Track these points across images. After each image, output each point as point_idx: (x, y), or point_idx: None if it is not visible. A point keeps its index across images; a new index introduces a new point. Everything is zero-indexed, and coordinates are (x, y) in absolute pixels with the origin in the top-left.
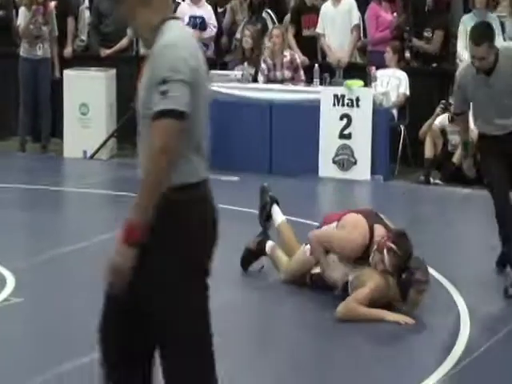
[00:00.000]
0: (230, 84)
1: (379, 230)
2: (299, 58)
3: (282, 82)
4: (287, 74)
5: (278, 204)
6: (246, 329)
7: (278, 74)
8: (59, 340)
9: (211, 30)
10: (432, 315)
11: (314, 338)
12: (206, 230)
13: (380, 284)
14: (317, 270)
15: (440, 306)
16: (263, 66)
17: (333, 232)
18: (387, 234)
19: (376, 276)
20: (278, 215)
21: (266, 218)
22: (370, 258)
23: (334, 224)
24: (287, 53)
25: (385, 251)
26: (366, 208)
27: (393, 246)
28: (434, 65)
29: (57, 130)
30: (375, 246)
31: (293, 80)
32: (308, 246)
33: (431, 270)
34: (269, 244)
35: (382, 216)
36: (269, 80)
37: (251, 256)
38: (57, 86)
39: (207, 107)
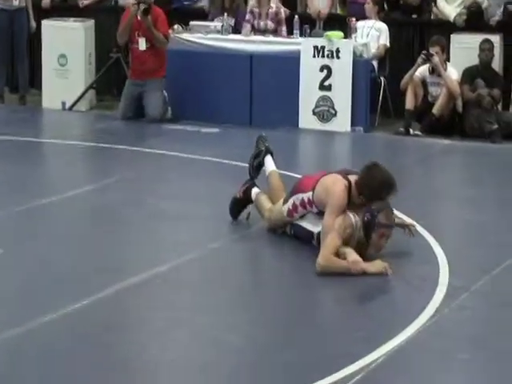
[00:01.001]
0: (210, 35)
1: (354, 179)
2: (284, 12)
3: (264, 32)
4: (270, 24)
5: (272, 156)
6: (226, 278)
7: (262, 23)
8: (39, 291)
9: None
10: (411, 265)
11: (294, 290)
12: None
13: (341, 222)
14: (297, 222)
15: (419, 256)
16: (248, 15)
17: (331, 213)
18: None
19: (337, 218)
20: (270, 164)
21: (257, 166)
22: None
23: (310, 194)
24: (274, 4)
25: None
26: (335, 171)
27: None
28: (414, 16)
29: (35, 81)
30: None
31: (275, 33)
32: (286, 207)
33: (410, 221)
34: (254, 191)
35: (354, 170)
36: (252, 28)
37: (239, 205)
38: (35, 37)
39: None
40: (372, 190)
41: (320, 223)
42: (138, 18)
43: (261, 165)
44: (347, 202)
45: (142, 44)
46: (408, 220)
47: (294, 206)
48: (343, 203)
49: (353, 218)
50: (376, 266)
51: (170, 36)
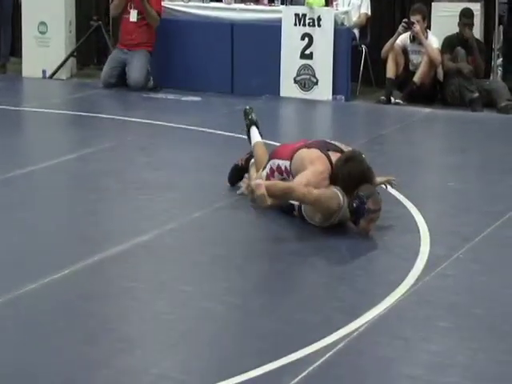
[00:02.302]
0: (191, 3)
1: (334, 156)
2: None
3: (244, 0)
4: None
5: (257, 127)
6: (208, 247)
7: None
8: (20, 260)
9: None
10: (392, 234)
11: (275, 258)
12: None
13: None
14: None
15: (400, 225)
16: None
17: (305, 174)
18: (339, 157)
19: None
20: (254, 135)
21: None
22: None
23: (287, 163)
24: None
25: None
26: (315, 140)
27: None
28: None
29: (15, 50)
30: None
31: (256, 1)
32: (264, 172)
33: (391, 190)
34: (251, 162)
35: (334, 142)
36: None
37: (238, 172)
38: (15, 5)
39: None
40: (346, 184)
41: None
42: None
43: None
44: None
45: (134, 15)
46: (385, 178)
47: (272, 170)
48: (320, 177)
49: (341, 196)
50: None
51: (161, 13)
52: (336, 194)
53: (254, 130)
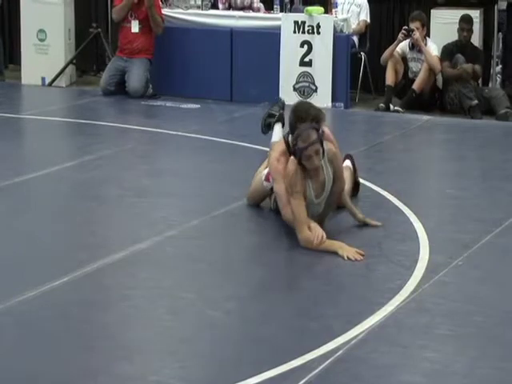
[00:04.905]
0: (190, 11)
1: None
2: None
3: (242, 9)
4: (247, 1)
5: (283, 124)
6: (206, 254)
7: (239, 0)
8: (19, 267)
9: None
10: (391, 242)
11: (274, 266)
12: None
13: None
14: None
15: (399, 232)
16: None
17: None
18: None
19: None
20: (278, 133)
21: (267, 125)
22: None
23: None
24: None
25: None
26: None
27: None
28: None
29: (15, 57)
30: None
31: (250, 8)
32: (265, 172)
33: (390, 197)
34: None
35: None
36: (229, 6)
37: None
38: (14, 12)
39: None
40: (290, 120)
41: None
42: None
43: (270, 125)
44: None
45: (135, 27)
46: (374, 222)
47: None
48: (279, 168)
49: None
50: (348, 250)
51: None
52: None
53: (279, 127)
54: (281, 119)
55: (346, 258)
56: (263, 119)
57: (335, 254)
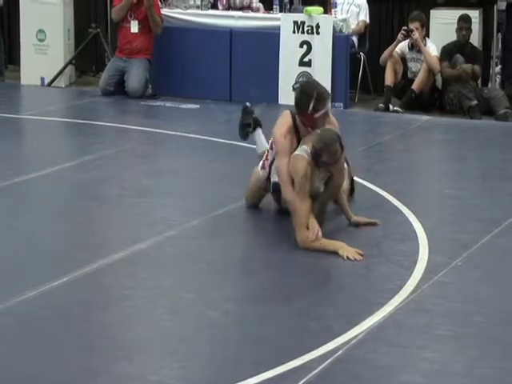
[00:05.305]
0: (189, 11)
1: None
2: None
3: (241, 9)
4: (246, 1)
5: (261, 127)
6: (206, 254)
7: (238, 0)
8: (19, 267)
9: None
10: (391, 242)
11: (273, 266)
12: None
13: (300, 177)
14: (273, 179)
15: (399, 232)
16: None
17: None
18: None
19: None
20: (262, 141)
21: (245, 135)
22: None
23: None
24: None
25: None
26: None
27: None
28: None
29: (14, 57)
30: None
31: (249, 8)
32: (259, 168)
33: (390, 197)
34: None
35: None
36: (229, 6)
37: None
38: (14, 12)
39: None
40: (297, 103)
41: None
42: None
43: (248, 133)
44: (295, 135)
45: (135, 27)
46: (367, 220)
47: (266, 156)
48: (286, 144)
49: (306, 156)
50: (348, 250)
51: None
52: (303, 161)
53: (260, 134)
54: (257, 124)
55: (345, 257)
56: (240, 131)
57: (335, 254)
